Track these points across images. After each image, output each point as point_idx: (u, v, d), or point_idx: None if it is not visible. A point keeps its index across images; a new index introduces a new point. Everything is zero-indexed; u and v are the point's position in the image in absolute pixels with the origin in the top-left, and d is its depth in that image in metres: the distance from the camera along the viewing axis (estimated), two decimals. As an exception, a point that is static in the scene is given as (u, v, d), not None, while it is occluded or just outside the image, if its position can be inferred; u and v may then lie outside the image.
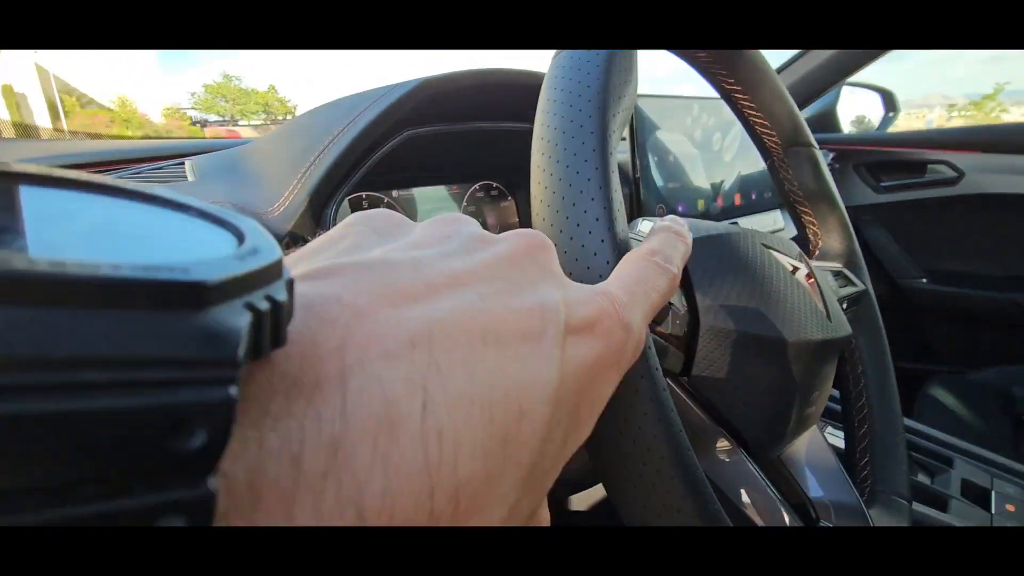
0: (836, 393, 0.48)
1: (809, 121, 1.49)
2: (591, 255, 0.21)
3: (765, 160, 0.47)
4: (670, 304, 0.28)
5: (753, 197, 0.85)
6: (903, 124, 1.56)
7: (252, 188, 0.45)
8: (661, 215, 0.69)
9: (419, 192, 0.56)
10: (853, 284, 0.46)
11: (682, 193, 0.71)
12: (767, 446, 0.33)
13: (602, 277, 0.20)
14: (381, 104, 0.38)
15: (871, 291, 0.46)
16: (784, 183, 0.46)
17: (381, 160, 0.44)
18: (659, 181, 0.67)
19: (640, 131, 0.65)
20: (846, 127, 1.58)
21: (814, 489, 0.37)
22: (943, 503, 0.59)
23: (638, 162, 0.64)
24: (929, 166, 1.23)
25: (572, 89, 0.23)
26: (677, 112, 0.70)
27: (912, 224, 1.27)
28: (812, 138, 0.45)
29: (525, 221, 0.66)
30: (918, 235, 1.26)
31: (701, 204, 0.74)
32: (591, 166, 0.22)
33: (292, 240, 0.41)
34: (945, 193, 1.21)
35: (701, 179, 0.74)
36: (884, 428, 0.43)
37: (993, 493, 0.62)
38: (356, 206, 0.49)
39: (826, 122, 1.42)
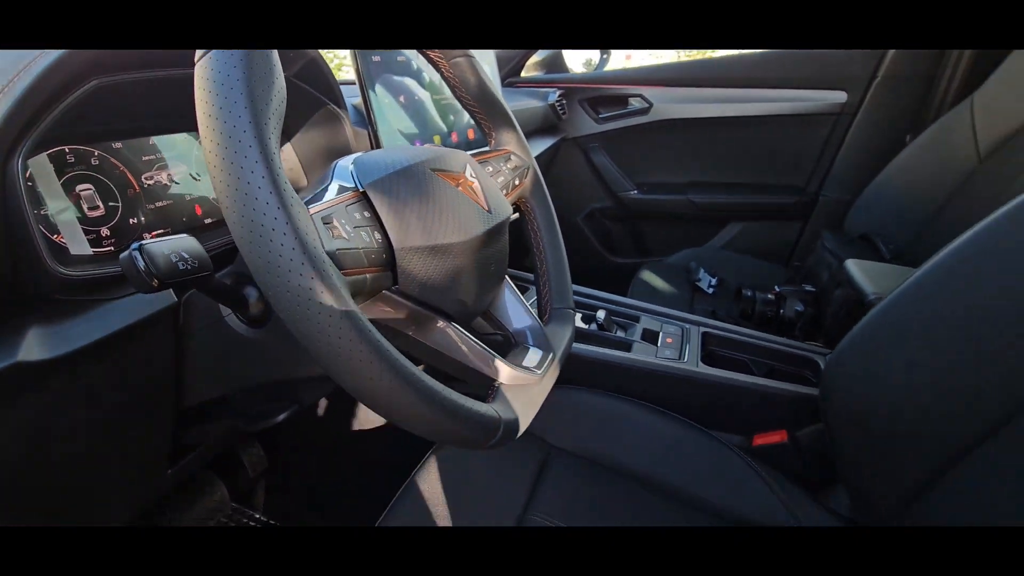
0: None
1: (541, 64, 1.67)
2: (287, 266, 0.28)
3: (437, 71, 0.56)
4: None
5: (486, 132, 0.99)
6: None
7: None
8: (400, 152, 0.77)
9: (162, 139, 0.55)
10: (520, 160, 0.60)
11: (419, 131, 0.80)
12: (470, 312, 0.45)
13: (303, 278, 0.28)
14: (52, 53, 0.38)
15: (534, 164, 0.61)
16: (455, 90, 0.56)
17: (77, 111, 0.43)
18: (394, 122, 0.75)
19: (368, 77, 0.71)
20: (578, 68, 1.84)
21: (515, 323, 0.52)
22: (628, 347, 0.83)
23: (371, 105, 0.71)
24: (629, 99, 1.53)
25: (223, 106, 0.27)
26: (403, 59, 0.78)
27: (624, 147, 1.57)
28: (468, 51, 0.55)
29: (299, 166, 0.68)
30: (629, 155, 1.58)
31: (437, 140, 0.84)
32: (259, 177, 0.27)
33: None
34: (642, 120, 1.52)
35: (435, 118, 0.84)
36: (553, 263, 0.59)
37: (660, 334, 0.88)
38: (58, 160, 0.47)
39: (555, 64, 1.64)
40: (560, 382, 0.79)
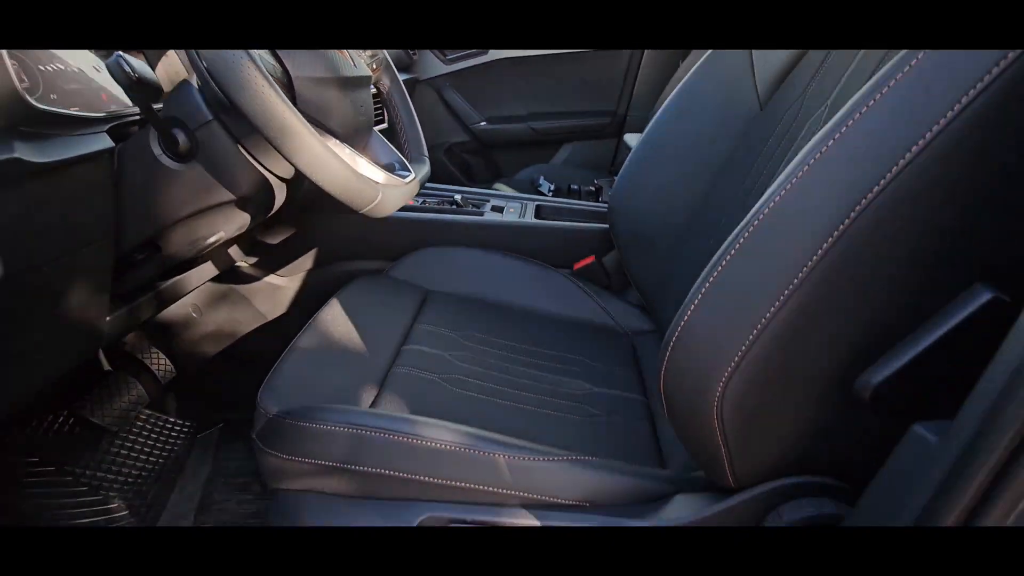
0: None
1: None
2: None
3: None
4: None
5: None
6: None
7: None
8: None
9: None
10: (374, 52, 0.80)
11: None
12: (352, 137, 0.65)
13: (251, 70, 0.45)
14: None
15: (386, 55, 0.82)
16: None
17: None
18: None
19: None
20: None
21: (384, 159, 0.72)
22: (481, 212, 1.07)
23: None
24: (470, 41, 1.75)
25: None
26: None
27: (471, 84, 1.80)
28: None
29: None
30: (476, 92, 1.81)
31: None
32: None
33: None
34: (483, 60, 1.76)
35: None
36: (408, 124, 0.81)
37: (505, 207, 1.13)
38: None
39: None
40: (425, 244, 1.01)
